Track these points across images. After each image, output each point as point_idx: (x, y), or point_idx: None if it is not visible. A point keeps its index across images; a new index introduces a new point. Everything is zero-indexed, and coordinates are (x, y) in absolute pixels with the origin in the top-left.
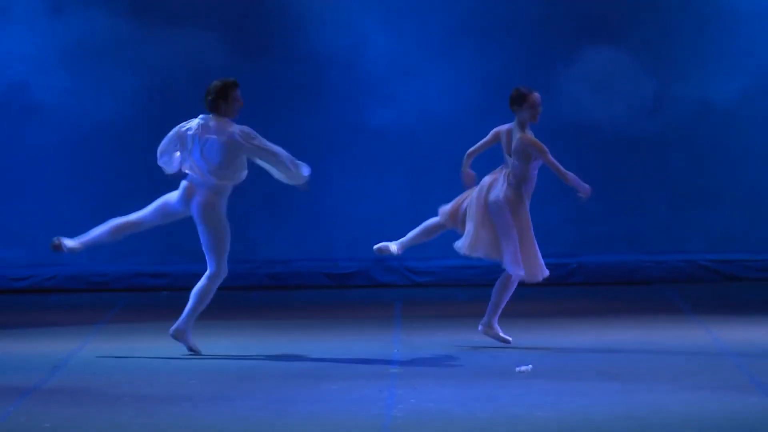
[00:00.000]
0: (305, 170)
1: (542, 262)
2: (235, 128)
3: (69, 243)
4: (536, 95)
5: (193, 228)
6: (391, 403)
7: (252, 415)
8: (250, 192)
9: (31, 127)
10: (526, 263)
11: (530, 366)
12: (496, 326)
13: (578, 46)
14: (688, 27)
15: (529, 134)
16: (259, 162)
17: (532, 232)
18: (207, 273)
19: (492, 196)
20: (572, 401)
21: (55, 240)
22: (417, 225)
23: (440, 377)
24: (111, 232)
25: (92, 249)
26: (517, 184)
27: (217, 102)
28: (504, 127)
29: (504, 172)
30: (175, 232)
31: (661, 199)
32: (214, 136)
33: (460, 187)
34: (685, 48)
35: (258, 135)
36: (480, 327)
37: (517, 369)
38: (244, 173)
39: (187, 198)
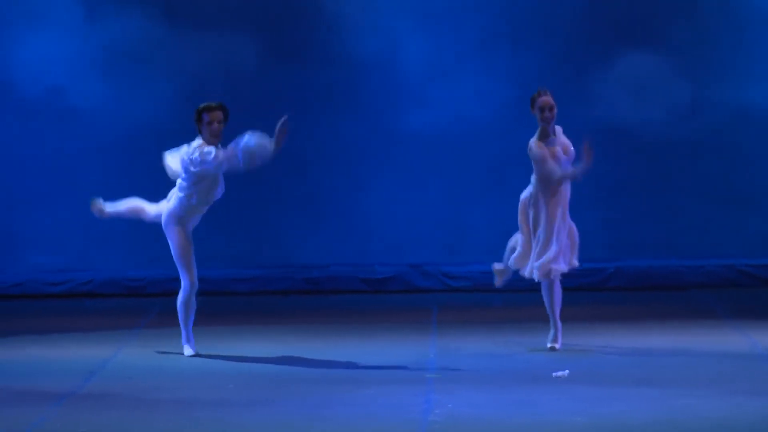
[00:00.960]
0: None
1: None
2: (195, 152)
3: (104, 207)
4: (542, 98)
5: (229, 233)
6: (427, 408)
7: (288, 420)
8: (287, 197)
9: (68, 131)
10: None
11: (567, 371)
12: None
13: (614, 50)
14: (724, 30)
15: (534, 141)
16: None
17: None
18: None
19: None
20: (609, 406)
21: (97, 202)
22: (454, 230)
23: (477, 382)
24: (130, 210)
25: (127, 251)
26: (537, 185)
27: (197, 125)
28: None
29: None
30: (211, 237)
31: (697, 204)
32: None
33: (494, 191)
34: (722, 52)
35: (210, 156)
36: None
37: (554, 374)
38: (214, 193)
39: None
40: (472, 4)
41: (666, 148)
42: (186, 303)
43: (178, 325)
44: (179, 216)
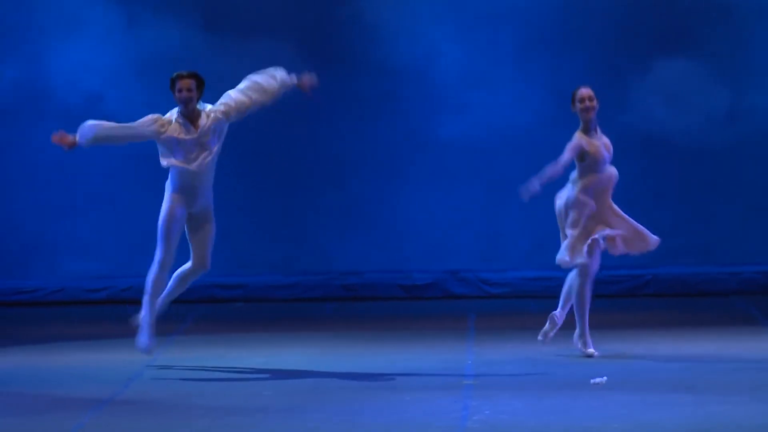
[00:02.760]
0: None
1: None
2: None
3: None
4: (582, 90)
5: (268, 240)
6: (465, 414)
7: (324, 427)
8: (325, 204)
9: None
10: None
11: (605, 378)
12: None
13: (651, 57)
14: (762, 37)
15: (576, 136)
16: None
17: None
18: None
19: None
20: (645, 413)
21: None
22: (491, 237)
23: (514, 389)
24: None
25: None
26: (575, 182)
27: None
28: None
29: None
30: (250, 244)
31: (735, 211)
32: None
33: (532, 198)
34: (760, 58)
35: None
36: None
37: (592, 381)
38: (166, 160)
39: None
40: (509, 11)
41: (703, 155)
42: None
43: (215, 331)
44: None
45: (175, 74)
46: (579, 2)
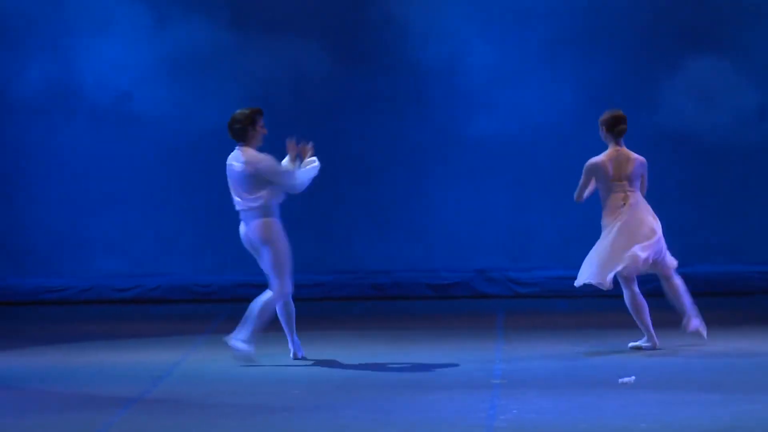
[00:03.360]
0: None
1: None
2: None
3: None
4: (619, 123)
5: (296, 239)
6: (493, 413)
7: (352, 425)
8: (354, 203)
9: (136, 137)
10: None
11: (633, 377)
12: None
13: (681, 56)
14: None
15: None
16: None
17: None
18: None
19: None
20: (674, 412)
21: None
22: (520, 236)
23: (542, 388)
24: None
25: (195, 257)
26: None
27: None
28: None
29: None
30: None
31: (764, 209)
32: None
33: (560, 197)
34: None
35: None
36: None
37: (620, 380)
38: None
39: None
40: (538, 10)
41: (733, 154)
42: (268, 310)
43: None
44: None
45: (257, 108)
46: (607, 0)
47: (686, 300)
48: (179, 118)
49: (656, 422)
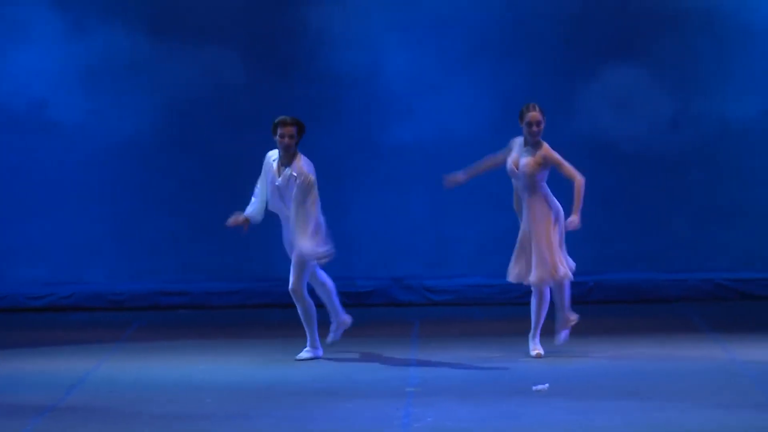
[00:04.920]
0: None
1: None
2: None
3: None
4: (531, 113)
5: (214, 247)
6: (407, 421)
7: None
8: (270, 211)
9: (52, 145)
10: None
11: (547, 385)
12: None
13: (597, 64)
14: (707, 45)
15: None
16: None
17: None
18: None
19: None
20: (591, 420)
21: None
22: (437, 244)
23: (457, 395)
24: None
25: (110, 265)
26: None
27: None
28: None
29: None
30: (195, 250)
31: (680, 218)
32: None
33: (477, 205)
34: (705, 66)
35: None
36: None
37: (534, 388)
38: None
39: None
40: (456, 17)
41: (648, 162)
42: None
43: (160, 338)
44: None
45: (278, 119)
46: (526, 9)
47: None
48: (96, 126)
49: (572, 429)
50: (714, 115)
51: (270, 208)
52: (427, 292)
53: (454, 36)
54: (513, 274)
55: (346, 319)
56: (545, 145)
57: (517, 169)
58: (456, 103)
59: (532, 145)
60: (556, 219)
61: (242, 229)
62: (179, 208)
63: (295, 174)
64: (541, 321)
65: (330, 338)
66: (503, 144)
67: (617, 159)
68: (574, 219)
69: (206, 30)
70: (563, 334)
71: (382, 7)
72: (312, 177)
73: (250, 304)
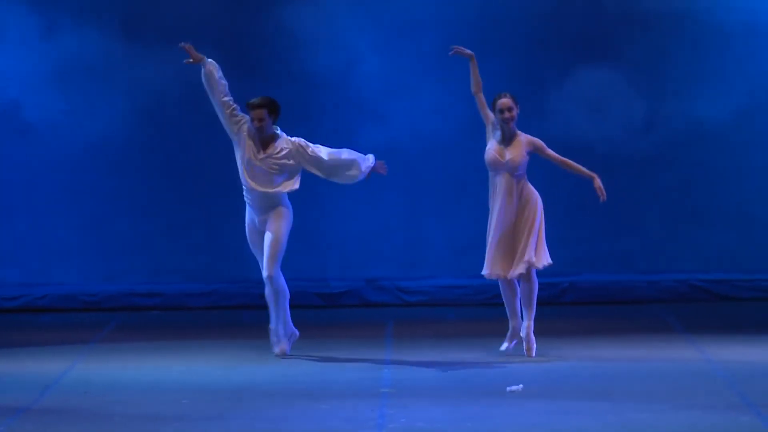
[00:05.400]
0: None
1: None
2: None
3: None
4: (501, 100)
5: (186, 247)
6: (381, 422)
7: None
8: (243, 212)
9: (24, 146)
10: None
11: (521, 386)
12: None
13: (570, 66)
14: (679, 47)
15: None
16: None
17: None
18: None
19: None
20: (564, 421)
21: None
22: (410, 245)
23: (431, 396)
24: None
25: (84, 266)
26: None
27: None
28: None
29: None
30: (168, 252)
31: (653, 219)
32: None
33: (451, 206)
34: (677, 68)
35: None
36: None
37: (508, 389)
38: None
39: None
40: (429, 20)
41: (621, 164)
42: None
43: (134, 339)
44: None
45: (248, 103)
46: (499, 11)
47: None
48: (69, 127)
49: (546, 430)
50: (687, 116)
51: (242, 181)
52: (401, 293)
53: (427, 38)
54: (494, 270)
55: (296, 331)
56: (522, 134)
57: (503, 159)
58: (429, 105)
59: (509, 137)
60: (542, 206)
61: (188, 56)
62: (153, 209)
63: (284, 150)
64: (534, 308)
65: (278, 350)
66: (476, 145)
67: (590, 160)
68: (597, 181)
69: (178, 31)
70: (513, 345)
71: (355, 9)
72: (299, 140)
73: (224, 305)
